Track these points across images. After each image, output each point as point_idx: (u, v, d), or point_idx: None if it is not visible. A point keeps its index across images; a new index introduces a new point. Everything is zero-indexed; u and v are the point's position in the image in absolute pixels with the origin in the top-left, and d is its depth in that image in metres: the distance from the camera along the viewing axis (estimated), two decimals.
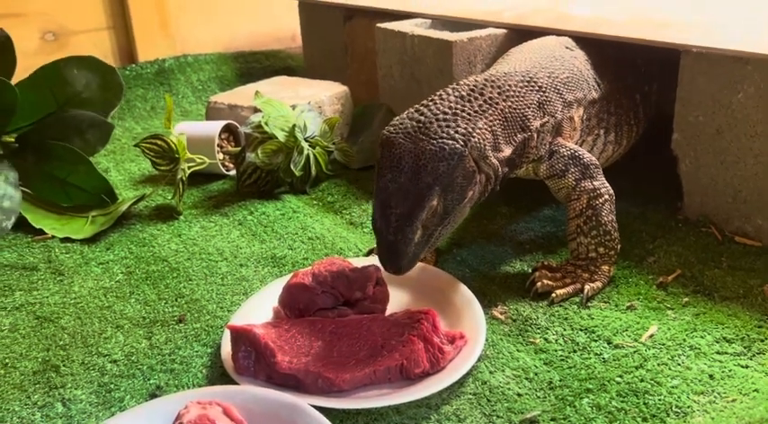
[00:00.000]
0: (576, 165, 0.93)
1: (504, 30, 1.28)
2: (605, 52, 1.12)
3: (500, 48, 1.27)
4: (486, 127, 0.85)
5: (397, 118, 0.86)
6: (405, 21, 1.41)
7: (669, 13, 1.24)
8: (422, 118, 0.84)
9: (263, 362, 0.76)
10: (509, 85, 0.91)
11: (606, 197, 0.93)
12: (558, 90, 0.97)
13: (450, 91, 0.88)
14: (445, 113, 0.84)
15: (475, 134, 0.83)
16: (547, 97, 0.94)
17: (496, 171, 0.87)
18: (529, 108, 0.91)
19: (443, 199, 0.80)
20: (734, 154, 1.01)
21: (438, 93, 0.88)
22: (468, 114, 0.85)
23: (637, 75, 1.16)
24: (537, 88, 0.94)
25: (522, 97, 0.91)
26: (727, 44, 0.98)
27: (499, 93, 0.89)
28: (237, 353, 0.77)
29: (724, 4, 1.31)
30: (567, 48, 1.09)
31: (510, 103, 0.89)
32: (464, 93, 0.88)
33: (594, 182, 0.93)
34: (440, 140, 0.81)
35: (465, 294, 0.88)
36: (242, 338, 0.78)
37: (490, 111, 0.87)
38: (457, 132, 0.82)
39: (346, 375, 0.74)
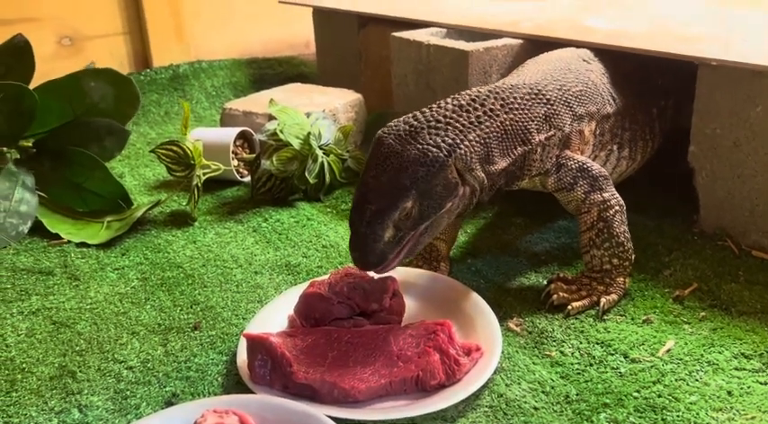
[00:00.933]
0: (584, 178, 0.93)
1: (521, 41, 1.28)
2: (623, 66, 1.11)
3: (516, 58, 1.27)
4: (477, 139, 0.86)
5: (396, 120, 0.87)
6: (420, 30, 1.41)
7: (688, 27, 1.23)
8: (415, 123, 0.85)
9: (279, 371, 0.76)
10: (514, 97, 0.91)
11: (617, 208, 0.92)
12: (568, 103, 0.96)
13: (450, 100, 0.89)
14: (438, 121, 0.85)
15: (462, 146, 0.84)
16: (554, 110, 0.94)
17: (482, 183, 0.87)
18: (533, 121, 0.91)
19: (419, 204, 0.81)
20: (751, 168, 1.01)
21: (438, 102, 0.89)
22: (462, 125, 0.85)
23: (654, 90, 1.16)
24: (545, 101, 0.94)
25: (527, 110, 0.91)
26: (746, 57, 0.98)
27: (502, 105, 0.90)
28: (253, 362, 0.78)
29: (743, 17, 1.31)
30: (583, 60, 1.09)
31: (512, 116, 0.90)
32: (463, 103, 0.88)
33: (604, 194, 0.93)
34: (425, 146, 0.82)
35: (480, 305, 0.88)
36: (258, 346, 0.78)
37: (487, 123, 0.87)
38: (444, 141, 0.83)
39: (362, 385, 0.74)
